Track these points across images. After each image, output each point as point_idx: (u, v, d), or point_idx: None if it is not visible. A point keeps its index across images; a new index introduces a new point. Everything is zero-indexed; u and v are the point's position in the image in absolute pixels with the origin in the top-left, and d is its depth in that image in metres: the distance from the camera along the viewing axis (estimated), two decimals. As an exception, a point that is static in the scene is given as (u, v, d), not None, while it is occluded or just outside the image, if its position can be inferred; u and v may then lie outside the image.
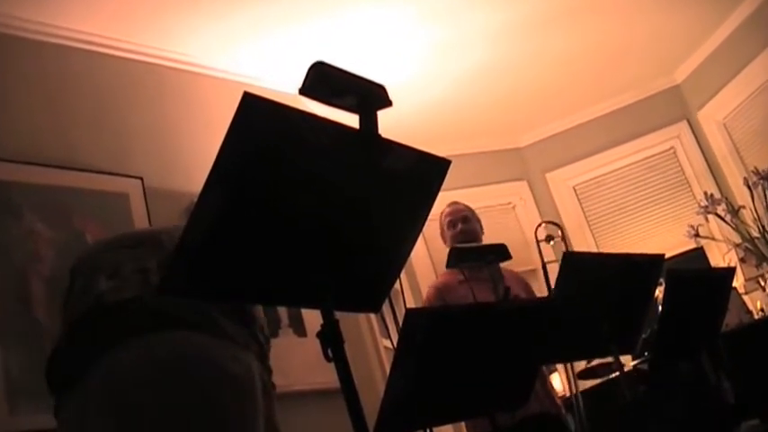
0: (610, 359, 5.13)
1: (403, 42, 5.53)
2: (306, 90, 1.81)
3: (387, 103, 1.88)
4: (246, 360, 2.27)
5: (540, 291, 5.00)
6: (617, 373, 3.63)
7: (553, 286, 4.64)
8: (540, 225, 5.19)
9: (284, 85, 5.07)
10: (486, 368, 2.62)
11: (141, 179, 4.32)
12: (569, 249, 5.24)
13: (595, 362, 5.08)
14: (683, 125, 7.05)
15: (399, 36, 5.45)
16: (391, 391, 2.36)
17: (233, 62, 5.10)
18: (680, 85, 7.13)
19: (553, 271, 4.73)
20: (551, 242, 5.16)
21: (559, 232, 5.23)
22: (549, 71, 6.42)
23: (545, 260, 5.02)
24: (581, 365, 5.27)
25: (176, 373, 2.13)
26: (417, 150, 1.94)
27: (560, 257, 5.04)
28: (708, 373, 4.00)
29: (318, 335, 1.82)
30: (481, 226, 4.90)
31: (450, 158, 2.03)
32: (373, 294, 2.09)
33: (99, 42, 4.52)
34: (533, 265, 6.82)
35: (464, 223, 4.80)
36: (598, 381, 5.38)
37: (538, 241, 4.95)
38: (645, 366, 4.96)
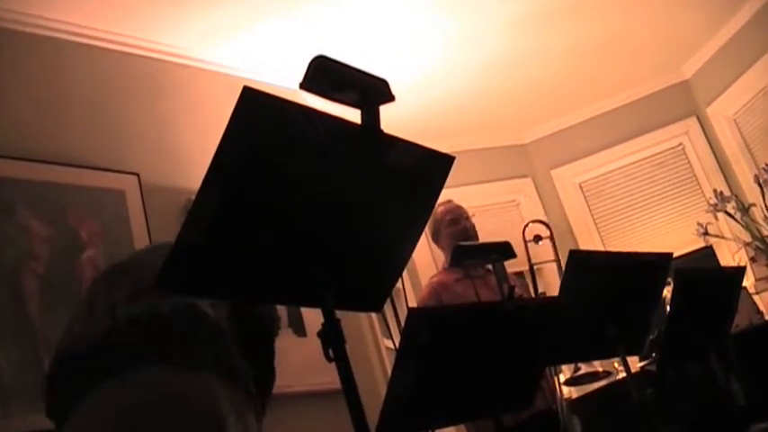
0: (598, 367, 5.15)
1: (405, 37, 5.53)
2: (306, 84, 1.81)
3: (389, 97, 1.89)
4: (207, 389, 2.22)
5: (528, 294, 5.00)
6: (623, 375, 3.63)
7: (541, 290, 4.67)
8: (527, 225, 5.19)
9: (283, 79, 5.07)
10: (489, 369, 2.63)
11: (138, 175, 4.32)
12: (557, 249, 5.24)
13: (582, 370, 5.08)
14: (693, 121, 7.06)
15: (402, 30, 5.45)
16: (393, 392, 2.37)
17: (230, 55, 5.11)
18: (689, 80, 7.14)
19: (543, 273, 4.77)
20: (539, 242, 5.15)
21: (548, 231, 5.21)
22: (554, 66, 6.43)
23: (540, 260, 5.03)
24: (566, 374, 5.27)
25: (128, 425, 2.13)
26: (420, 146, 1.94)
27: (552, 258, 5.08)
28: (717, 375, 4.00)
29: (319, 334, 1.83)
30: None
31: (453, 155, 2.04)
32: (375, 293, 2.09)
33: (93, 35, 4.52)
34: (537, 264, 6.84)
35: (467, 220, 4.82)
36: (603, 384, 5.38)
37: (526, 242, 4.94)
38: (653, 368, 4.96)
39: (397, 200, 1.98)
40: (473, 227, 4.84)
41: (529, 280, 6.57)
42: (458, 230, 4.78)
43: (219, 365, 2.26)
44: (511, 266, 5.46)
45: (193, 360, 2.21)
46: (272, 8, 4.87)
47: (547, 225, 5.30)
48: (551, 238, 5.15)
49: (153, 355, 2.18)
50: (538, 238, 5.03)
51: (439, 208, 4.87)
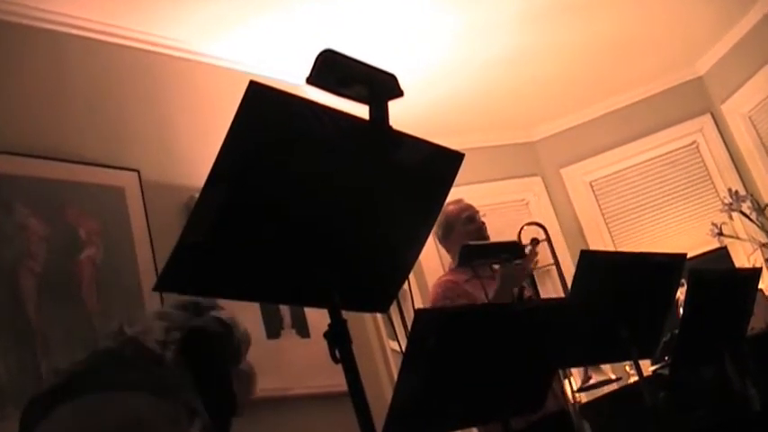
0: (609, 374, 5.14)
1: (411, 31, 5.53)
2: (313, 79, 1.81)
3: (398, 93, 1.89)
4: (132, 405, 2.31)
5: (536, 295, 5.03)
6: (636, 378, 3.63)
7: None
8: (522, 228, 5.19)
9: (286, 73, 5.08)
10: (499, 372, 2.63)
11: (138, 172, 4.32)
12: (555, 253, 5.24)
13: (593, 379, 5.08)
14: (707, 118, 7.04)
15: (407, 23, 5.45)
16: (400, 395, 2.37)
17: (232, 49, 5.10)
18: (703, 76, 7.12)
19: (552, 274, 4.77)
20: (536, 245, 5.14)
21: (543, 234, 5.20)
22: (564, 62, 6.42)
23: (541, 264, 5.02)
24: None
25: None
26: (429, 143, 1.95)
27: (552, 261, 5.08)
28: (732, 380, 3.99)
29: (326, 335, 1.83)
30: None
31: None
32: (382, 294, 2.10)
33: (94, 28, 4.52)
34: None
35: (481, 219, 4.83)
36: (615, 387, 5.38)
37: (522, 246, 4.95)
38: (665, 371, 4.96)
39: (405, 198, 1.99)
40: (485, 226, 4.85)
41: (546, 277, 6.59)
42: (474, 229, 4.78)
43: (154, 386, 2.33)
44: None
45: (126, 383, 2.30)
46: (275, 1, 4.87)
47: (543, 227, 5.29)
48: (548, 240, 5.14)
49: (89, 384, 2.28)
50: (535, 242, 5.02)
51: (449, 206, 4.87)
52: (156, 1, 4.59)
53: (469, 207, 4.88)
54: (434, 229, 4.83)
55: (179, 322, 2.46)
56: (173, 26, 4.81)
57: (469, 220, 4.82)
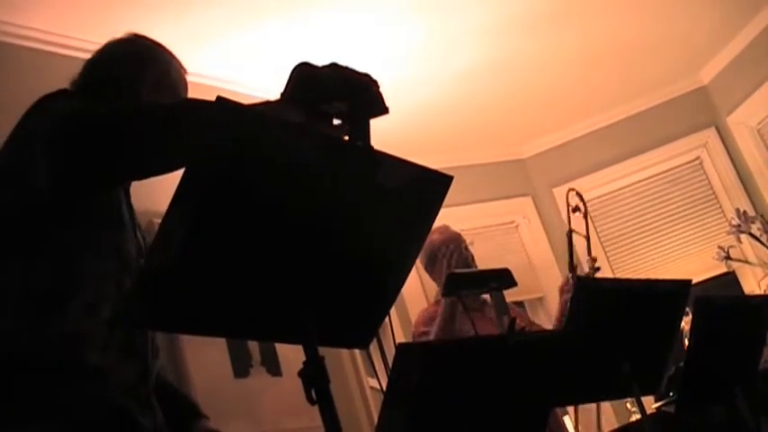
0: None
1: (387, 38, 5.54)
2: (288, 95, 1.82)
3: (382, 110, 1.90)
4: None
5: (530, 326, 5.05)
6: (638, 417, 3.65)
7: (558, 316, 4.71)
8: (570, 191, 5.28)
9: (258, 89, 5.09)
10: (489, 410, 2.63)
11: (90, 195, 4.30)
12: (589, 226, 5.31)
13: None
14: (711, 132, 7.08)
15: (383, 30, 5.46)
16: (382, 438, 2.37)
17: (197, 63, 5.09)
18: (707, 85, 7.17)
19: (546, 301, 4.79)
20: (577, 213, 5.19)
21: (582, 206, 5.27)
22: (557, 71, 6.44)
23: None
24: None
25: None
26: (415, 165, 1.94)
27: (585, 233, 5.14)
28: (745, 418, 4.00)
29: (300, 374, 1.83)
30: None
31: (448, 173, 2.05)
32: (362, 328, 2.10)
33: (46, 39, 4.51)
34: (539, 293, 6.85)
35: (466, 250, 4.84)
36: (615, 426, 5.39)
37: (569, 207, 5.02)
38: (670, 409, 4.97)
39: (388, 223, 1.98)
40: (472, 257, 4.86)
41: (537, 308, 6.61)
42: (457, 260, 4.79)
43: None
44: (525, 293, 5.49)
45: None
46: (244, 15, 4.89)
47: (582, 200, 5.33)
48: (586, 229, 5.17)
49: None
50: (576, 209, 5.08)
51: (434, 235, 4.88)
52: (117, 11, 4.59)
53: (454, 238, 4.89)
54: (420, 257, 4.85)
55: None
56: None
57: (451, 252, 4.83)
